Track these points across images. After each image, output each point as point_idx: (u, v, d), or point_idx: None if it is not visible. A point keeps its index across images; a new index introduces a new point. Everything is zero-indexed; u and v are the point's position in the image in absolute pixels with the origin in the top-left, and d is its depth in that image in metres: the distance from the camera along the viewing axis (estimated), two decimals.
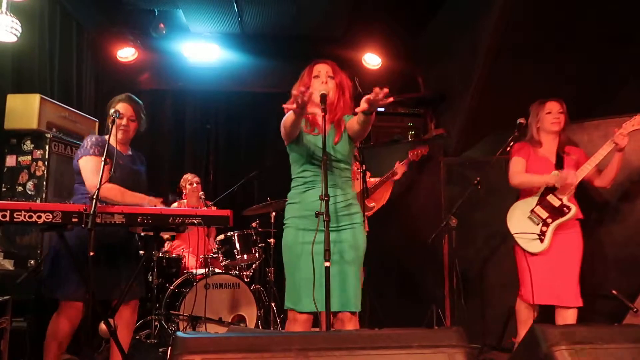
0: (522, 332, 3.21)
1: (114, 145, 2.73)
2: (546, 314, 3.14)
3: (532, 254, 3.10)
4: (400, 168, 4.04)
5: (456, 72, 4.53)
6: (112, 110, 2.71)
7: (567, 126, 3.20)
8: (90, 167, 2.65)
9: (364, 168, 3.53)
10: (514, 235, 3.17)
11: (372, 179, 3.85)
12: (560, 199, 3.07)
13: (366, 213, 3.30)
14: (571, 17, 3.53)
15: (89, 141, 2.75)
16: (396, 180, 4.13)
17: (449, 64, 4.72)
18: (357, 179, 3.60)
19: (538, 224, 3.11)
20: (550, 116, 3.17)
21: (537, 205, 3.14)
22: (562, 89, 3.84)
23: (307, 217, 2.41)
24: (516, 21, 3.60)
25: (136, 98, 2.94)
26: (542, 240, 3.08)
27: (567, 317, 3.02)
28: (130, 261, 2.86)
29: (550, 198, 3.10)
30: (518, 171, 3.22)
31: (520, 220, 3.19)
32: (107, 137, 2.71)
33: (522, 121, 3.23)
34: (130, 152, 3.00)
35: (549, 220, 3.08)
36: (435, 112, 5.09)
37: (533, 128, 3.25)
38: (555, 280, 3.04)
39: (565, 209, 3.06)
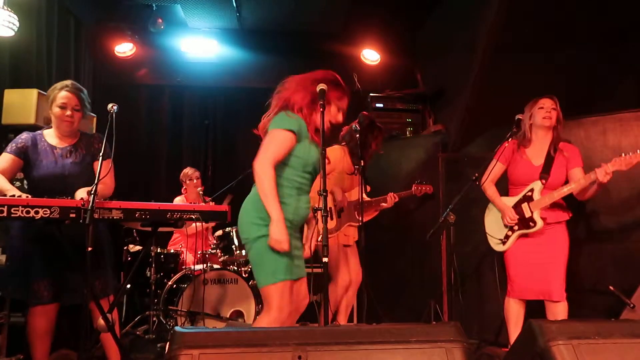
0: (512, 331, 3.23)
1: (52, 140, 2.76)
2: (534, 312, 3.16)
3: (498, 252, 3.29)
4: (391, 199, 3.83)
5: (455, 68, 4.53)
6: (109, 106, 2.68)
7: (561, 124, 3.19)
8: None
9: (368, 190, 3.65)
10: (487, 234, 3.34)
11: (365, 197, 3.76)
12: (532, 212, 3.12)
13: (356, 224, 3.30)
14: (569, 15, 3.53)
15: (16, 139, 2.75)
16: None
17: (447, 60, 4.72)
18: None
19: (506, 227, 3.23)
20: (543, 111, 3.16)
21: (512, 208, 3.22)
22: (560, 85, 3.84)
23: (293, 222, 2.39)
24: (514, 18, 3.59)
25: (80, 86, 2.80)
26: (504, 243, 3.23)
27: (557, 311, 3.05)
28: (101, 260, 2.80)
29: (524, 207, 3.16)
30: (490, 180, 3.28)
31: (495, 219, 3.32)
32: (42, 131, 2.80)
33: (520, 117, 3.23)
34: (74, 141, 2.82)
35: (515, 228, 3.18)
36: (434, 108, 5.09)
37: (526, 125, 3.25)
38: (541, 276, 3.09)
39: (531, 222, 3.12)
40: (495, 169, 3.26)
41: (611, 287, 3.20)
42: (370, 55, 5.31)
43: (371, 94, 5.07)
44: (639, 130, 3.48)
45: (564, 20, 3.57)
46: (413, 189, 4.00)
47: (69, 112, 2.71)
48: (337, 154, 3.56)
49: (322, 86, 2.40)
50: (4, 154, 2.70)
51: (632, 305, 3.06)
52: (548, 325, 1.53)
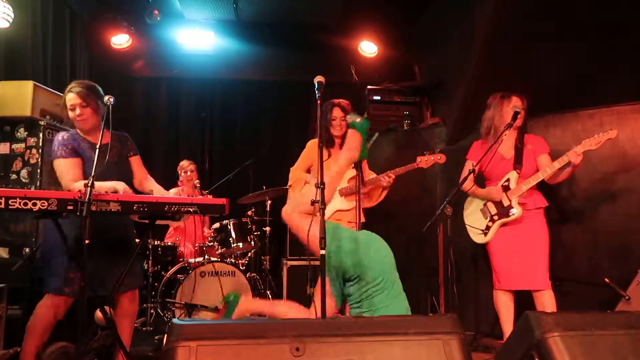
0: (504, 322, 3.30)
1: (87, 138, 2.81)
2: (525, 302, 3.21)
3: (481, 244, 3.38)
4: (386, 179, 3.45)
5: (452, 60, 4.52)
6: (105, 98, 2.67)
7: (526, 120, 3.32)
8: (60, 171, 2.73)
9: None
10: (466, 226, 3.41)
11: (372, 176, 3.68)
12: (510, 200, 3.22)
13: (346, 209, 3.31)
14: (568, 7, 3.52)
15: (55, 142, 2.79)
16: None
17: (445, 53, 4.70)
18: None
19: (487, 218, 3.32)
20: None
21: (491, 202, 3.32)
22: (558, 78, 3.84)
23: None
24: (513, 10, 3.58)
25: (84, 83, 2.83)
26: (485, 234, 3.31)
27: (544, 300, 3.11)
28: (128, 252, 2.85)
29: (503, 196, 3.26)
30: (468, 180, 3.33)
31: (474, 211, 3.42)
32: (75, 130, 2.83)
33: (518, 110, 3.24)
34: (108, 140, 2.77)
35: (496, 218, 3.28)
36: (432, 101, 5.08)
37: (494, 121, 3.30)
38: (524, 265, 3.17)
39: (510, 210, 3.21)
40: (468, 170, 3.34)
41: (607, 280, 3.23)
42: (368, 48, 5.29)
43: (368, 87, 5.06)
44: (635, 123, 3.49)
45: (563, 12, 3.56)
46: (417, 161, 3.49)
47: (78, 111, 2.77)
48: (310, 145, 3.65)
49: (319, 78, 2.41)
50: (59, 160, 2.72)
51: (627, 297, 3.09)
52: (544, 317, 1.54)
